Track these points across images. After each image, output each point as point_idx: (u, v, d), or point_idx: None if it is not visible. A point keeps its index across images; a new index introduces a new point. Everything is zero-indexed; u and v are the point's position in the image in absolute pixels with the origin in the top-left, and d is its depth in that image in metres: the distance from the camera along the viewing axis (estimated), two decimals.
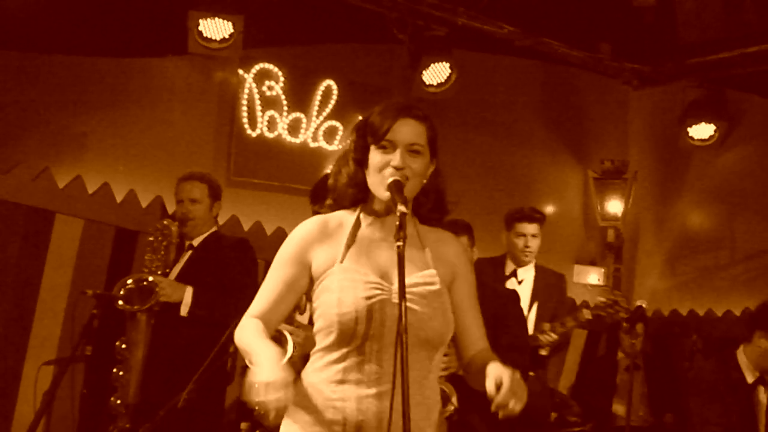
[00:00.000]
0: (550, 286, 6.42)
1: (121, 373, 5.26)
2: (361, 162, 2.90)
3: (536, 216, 6.32)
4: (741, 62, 8.01)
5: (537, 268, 6.43)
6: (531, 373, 6.07)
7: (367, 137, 2.89)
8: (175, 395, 4.64)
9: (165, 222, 5.54)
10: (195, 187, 5.61)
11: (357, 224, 2.90)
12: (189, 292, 5.29)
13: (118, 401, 5.23)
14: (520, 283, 6.32)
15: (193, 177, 5.67)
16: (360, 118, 7.12)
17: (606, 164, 8.78)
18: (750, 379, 5.88)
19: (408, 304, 2.62)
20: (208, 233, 5.63)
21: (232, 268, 5.44)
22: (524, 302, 6.24)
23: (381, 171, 2.82)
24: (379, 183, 2.82)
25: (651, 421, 7.37)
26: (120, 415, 5.22)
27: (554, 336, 6.06)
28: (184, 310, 5.27)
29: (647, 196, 9.08)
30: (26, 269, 6.26)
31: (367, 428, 2.72)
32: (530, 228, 6.28)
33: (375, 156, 2.85)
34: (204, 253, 5.56)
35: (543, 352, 6.13)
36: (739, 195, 8.57)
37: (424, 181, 2.90)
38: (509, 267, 6.37)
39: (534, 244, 6.28)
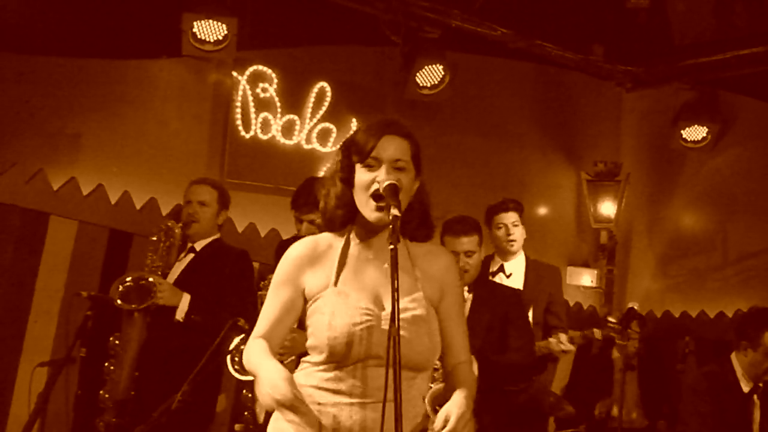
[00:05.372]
0: (542, 278, 6.32)
1: (112, 368, 5.28)
2: (348, 181, 2.92)
3: (510, 205, 6.23)
4: (734, 64, 8.04)
5: (529, 261, 6.34)
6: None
7: (352, 156, 2.91)
8: (165, 395, 4.65)
9: (169, 223, 5.55)
10: (205, 191, 5.63)
11: (347, 245, 2.95)
12: (186, 299, 5.31)
13: (107, 395, 5.24)
14: (508, 277, 6.23)
15: (205, 181, 5.72)
16: (354, 120, 7.09)
17: (599, 166, 8.80)
18: (745, 388, 5.82)
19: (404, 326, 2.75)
20: (211, 239, 5.64)
21: (230, 280, 5.46)
22: None
23: (367, 188, 2.85)
24: (365, 202, 2.85)
25: (645, 423, 7.37)
26: (107, 409, 5.24)
27: (568, 346, 6.01)
28: (179, 315, 5.28)
29: (640, 198, 9.10)
30: (21, 271, 6.26)
31: None
32: (508, 217, 6.18)
33: (361, 174, 2.88)
34: (205, 258, 5.56)
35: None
36: (732, 197, 8.59)
37: (410, 197, 2.92)
38: (496, 263, 6.29)
39: (516, 232, 6.18)
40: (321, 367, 2.85)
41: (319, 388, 2.83)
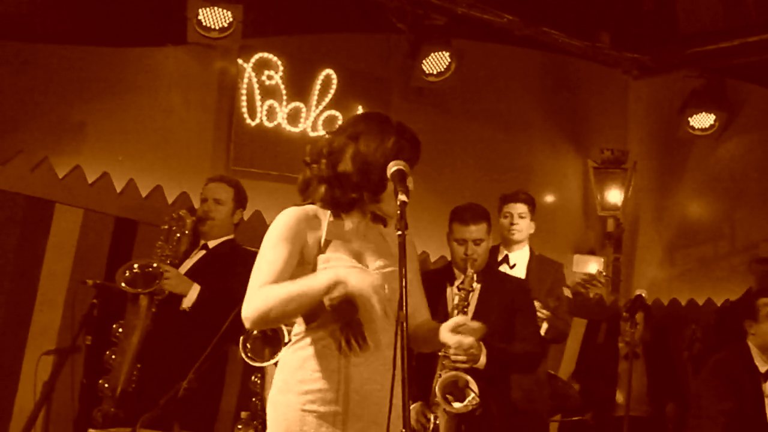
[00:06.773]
0: (544, 272, 6.23)
1: (113, 356, 5.24)
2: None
3: (522, 196, 6.18)
4: (741, 52, 8.03)
5: (533, 255, 6.28)
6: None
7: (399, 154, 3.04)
8: (167, 387, 4.65)
9: (181, 212, 5.49)
10: (221, 189, 5.58)
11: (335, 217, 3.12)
12: (196, 289, 5.25)
13: (106, 384, 5.21)
14: (512, 267, 6.18)
15: (222, 179, 5.69)
16: (360, 107, 7.04)
17: (606, 154, 8.79)
18: (762, 369, 5.78)
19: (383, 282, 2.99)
20: (224, 238, 5.60)
21: (239, 280, 5.37)
22: None
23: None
24: (392, 193, 2.97)
25: (651, 411, 7.37)
26: (106, 399, 5.21)
27: (546, 313, 5.95)
28: (186, 304, 5.23)
29: (647, 186, 9.09)
30: (26, 259, 6.25)
31: (353, 394, 2.98)
32: (515, 207, 6.11)
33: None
34: (216, 257, 5.50)
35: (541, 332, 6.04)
36: (739, 184, 8.58)
37: None
38: (501, 253, 6.27)
39: (521, 223, 6.11)
40: (319, 334, 3.02)
41: (320, 357, 3.00)
